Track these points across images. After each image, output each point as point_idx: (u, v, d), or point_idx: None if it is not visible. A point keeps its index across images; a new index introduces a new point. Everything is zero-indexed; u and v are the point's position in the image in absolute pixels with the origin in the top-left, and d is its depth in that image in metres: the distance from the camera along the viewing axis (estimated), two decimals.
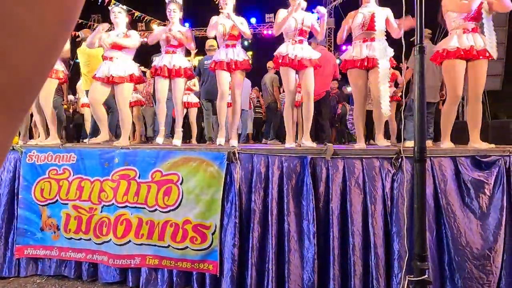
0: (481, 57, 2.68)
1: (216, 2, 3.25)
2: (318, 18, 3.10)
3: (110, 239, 2.55)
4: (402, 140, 2.72)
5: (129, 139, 3.48)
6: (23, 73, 0.21)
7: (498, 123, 5.53)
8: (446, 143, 2.85)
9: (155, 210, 2.51)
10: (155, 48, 3.52)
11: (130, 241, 2.52)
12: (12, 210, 2.81)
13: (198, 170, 2.48)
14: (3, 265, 2.75)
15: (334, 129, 6.50)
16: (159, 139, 3.47)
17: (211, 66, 3.23)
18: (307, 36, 3.07)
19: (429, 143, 3.87)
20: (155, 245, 2.48)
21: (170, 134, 4.91)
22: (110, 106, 4.31)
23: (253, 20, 11.34)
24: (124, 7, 3.44)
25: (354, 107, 3.12)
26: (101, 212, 2.63)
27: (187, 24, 11.25)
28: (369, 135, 5.65)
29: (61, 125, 4.35)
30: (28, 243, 2.73)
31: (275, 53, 3.07)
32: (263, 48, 9.62)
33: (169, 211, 2.49)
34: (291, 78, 2.99)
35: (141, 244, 2.50)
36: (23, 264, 2.73)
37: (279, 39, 3.16)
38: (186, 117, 5.10)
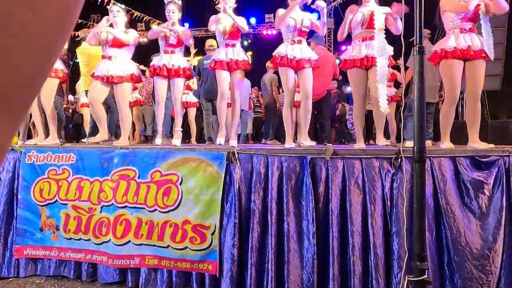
0: (478, 57, 2.70)
1: (216, 2, 3.24)
2: (318, 18, 3.11)
3: (110, 239, 2.55)
4: (402, 140, 2.72)
5: (129, 139, 3.47)
6: (23, 73, 0.21)
7: (498, 123, 5.54)
8: (446, 143, 2.86)
9: (155, 210, 2.51)
10: (155, 48, 3.51)
11: (129, 241, 2.52)
12: (11, 210, 2.81)
13: (197, 170, 2.48)
14: (2, 266, 2.74)
15: (333, 129, 6.51)
16: (158, 140, 3.47)
17: (211, 65, 3.23)
18: (306, 36, 3.08)
19: (428, 143, 3.87)
20: (154, 245, 2.48)
21: (170, 134, 4.91)
22: (110, 106, 4.30)
23: (252, 20, 11.33)
24: (123, 6, 3.43)
25: (354, 106, 3.12)
26: (101, 212, 2.63)
27: (186, 24, 11.25)
28: (369, 135, 5.66)
29: (61, 125, 4.35)
30: (28, 243, 2.73)
31: (274, 53, 3.07)
32: (262, 48, 9.63)
33: (168, 211, 2.48)
34: (290, 78, 3.00)
35: (140, 244, 2.50)
36: (22, 264, 2.73)
37: (279, 39, 3.16)
38: (185, 117, 5.10)
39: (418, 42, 1.74)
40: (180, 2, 3.38)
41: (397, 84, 5.10)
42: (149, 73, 4.85)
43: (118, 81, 3.14)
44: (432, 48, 3.03)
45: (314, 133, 5.09)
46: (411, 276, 1.75)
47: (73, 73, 4.86)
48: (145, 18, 10.75)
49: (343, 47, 9.79)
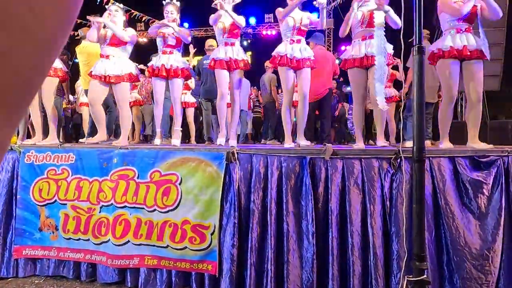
0: (474, 57, 2.71)
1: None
2: (318, 17, 3.10)
3: (109, 239, 2.55)
4: (401, 140, 2.72)
5: (128, 139, 3.47)
6: (23, 72, 0.21)
7: (497, 124, 5.55)
8: (445, 144, 2.86)
9: (154, 210, 2.51)
10: (154, 47, 3.52)
11: (129, 241, 2.51)
12: (11, 210, 2.81)
13: (197, 170, 2.48)
14: (1, 266, 2.74)
15: (333, 129, 6.52)
16: (157, 140, 3.47)
17: (210, 64, 3.23)
18: (305, 35, 3.08)
19: (427, 143, 3.88)
20: (154, 246, 2.48)
21: (169, 134, 4.91)
22: (108, 105, 4.30)
23: (252, 20, 11.32)
24: (121, 5, 3.43)
25: (353, 106, 3.12)
26: (100, 212, 2.63)
27: (186, 24, 11.25)
28: (368, 135, 5.67)
29: (60, 125, 4.34)
30: (27, 243, 2.72)
31: (273, 53, 3.07)
32: (262, 48, 9.62)
33: (168, 211, 2.48)
34: (289, 78, 3.00)
35: (140, 244, 2.50)
36: (21, 264, 2.72)
37: (278, 39, 3.17)
38: (183, 117, 5.10)
39: (417, 42, 1.74)
40: (178, 4, 3.39)
41: (396, 85, 5.10)
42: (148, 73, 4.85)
43: (116, 80, 3.13)
44: (429, 48, 3.04)
45: (314, 133, 5.10)
46: (411, 276, 1.75)
47: (73, 73, 4.86)
48: (144, 18, 10.74)
49: (343, 47, 9.81)
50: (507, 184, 2.18)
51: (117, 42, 3.17)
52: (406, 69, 4.20)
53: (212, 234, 2.39)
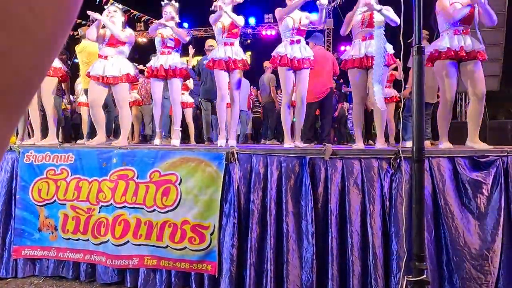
0: (471, 58, 2.72)
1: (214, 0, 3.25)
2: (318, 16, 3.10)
3: (108, 240, 2.54)
4: (401, 140, 2.72)
5: (128, 139, 3.47)
6: (23, 72, 0.21)
7: (496, 124, 5.56)
8: (444, 144, 2.86)
9: (154, 210, 2.51)
10: (154, 47, 3.52)
11: (128, 241, 2.51)
12: (10, 210, 2.80)
13: (196, 170, 2.48)
14: (1, 266, 2.74)
15: (332, 129, 6.53)
16: (157, 141, 3.48)
17: (209, 64, 3.22)
18: (305, 35, 3.08)
19: (427, 143, 3.89)
20: (153, 246, 2.47)
21: (169, 134, 4.91)
22: (107, 105, 4.29)
23: (252, 21, 11.32)
24: (120, 6, 3.43)
25: (353, 106, 3.13)
26: (99, 212, 2.63)
27: (186, 24, 11.25)
28: (368, 136, 5.67)
29: (59, 125, 4.34)
30: (26, 243, 2.72)
31: (273, 53, 3.07)
32: (261, 48, 9.63)
33: (167, 212, 2.48)
34: (289, 78, 3.00)
35: (139, 245, 2.50)
36: (20, 264, 2.72)
37: (278, 39, 3.17)
38: (182, 118, 5.09)
39: (417, 42, 1.74)
40: (177, 4, 3.40)
41: (396, 85, 5.10)
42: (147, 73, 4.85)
43: (114, 81, 3.13)
44: (427, 49, 3.05)
45: (314, 133, 5.10)
46: (410, 276, 1.75)
47: (72, 73, 4.86)
48: (143, 18, 10.74)
49: (342, 47, 9.82)
50: (507, 184, 2.18)
51: (115, 42, 3.17)
52: (407, 69, 4.20)
53: (211, 234, 2.39)
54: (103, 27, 3.19)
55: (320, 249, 2.22)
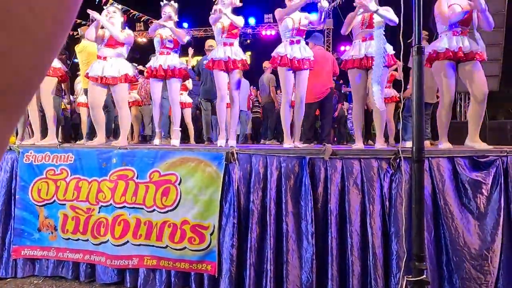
0: (470, 59, 2.73)
1: (215, 3, 3.25)
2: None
3: (108, 240, 2.54)
4: (401, 140, 2.72)
5: (127, 139, 3.47)
6: (23, 73, 0.21)
7: (496, 124, 5.56)
8: (444, 144, 2.87)
9: (153, 210, 2.50)
10: (154, 48, 3.52)
11: (128, 241, 2.51)
12: (9, 210, 2.80)
13: (196, 170, 2.48)
14: (0, 266, 2.73)
15: (332, 129, 6.53)
16: (156, 141, 3.48)
17: (209, 64, 3.23)
18: (304, 35, 3.08)
19: (427, 143, 3.89)
20: (153, 246, 2.47)
21: (168, 134, 4.91)
22: (107, 105, 4.29)
23: (251, 21, 11.32)
24: (119, 6, 3.42)
25: (353, 106, 3.13)
26: (99, 212, 2.62)
27: (185, 24, 11.25)
28: (368, 136, 5.68)
29: (59, 125, 4.34)
30: (25, 243, 2.72)
31: (273, 54, 3.07)
32: (261, 49, 9.63)
33: (167, 212, 2.48)
34: (289, 78, 3.00)
35: (139, 245, 2.50)
36: (20, 264, 2.72)
37: (278, 40, 3.17)
38: (181, 118, 5.08)
39: (416, 43, 1.75)
40: (176, 5, 3.41)
41: (395, 85, 5.10)
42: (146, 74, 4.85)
43: (113, 81, 3.13)
44: (426, 49, 3.06)
45: (314, 133, 5.10)
46: (410, 276, 1.75)
47: (72, 73, 4.85)
48: (143, 18, 10.73)
49: (342, 48, 9.82)
50: (506, 184, 2.18)
51: (114, 43, 3.17)
52: (407, 70, 4.20)
53: (211, 234, 2.39)
54: (102, 27, 3.19)
55: (319, 249, 2.22)
